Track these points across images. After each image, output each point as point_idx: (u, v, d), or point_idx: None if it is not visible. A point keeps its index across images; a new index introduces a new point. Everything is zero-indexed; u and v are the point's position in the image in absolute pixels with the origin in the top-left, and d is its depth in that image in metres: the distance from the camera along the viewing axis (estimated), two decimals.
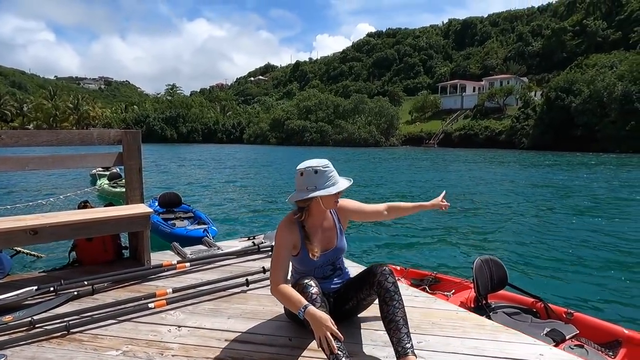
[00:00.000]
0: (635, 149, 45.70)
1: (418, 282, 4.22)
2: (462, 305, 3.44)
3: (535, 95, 65.39)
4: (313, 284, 2.20)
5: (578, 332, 3.06)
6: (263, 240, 4.28)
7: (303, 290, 2.17)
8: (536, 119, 58.25)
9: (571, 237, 8.20)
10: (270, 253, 4.00)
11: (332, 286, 2.47)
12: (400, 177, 20.40)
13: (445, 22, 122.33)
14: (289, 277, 2.33)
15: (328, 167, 2.28)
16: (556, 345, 2.85)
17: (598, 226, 9.21)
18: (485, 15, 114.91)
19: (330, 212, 2.48)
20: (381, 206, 2.61)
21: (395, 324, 2.16)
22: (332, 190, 2.24)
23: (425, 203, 2.60)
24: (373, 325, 2.52)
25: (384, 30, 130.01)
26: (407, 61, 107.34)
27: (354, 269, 2.66)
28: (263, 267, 3.40)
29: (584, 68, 61.89)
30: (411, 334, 2.16)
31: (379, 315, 2.23)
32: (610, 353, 2.90)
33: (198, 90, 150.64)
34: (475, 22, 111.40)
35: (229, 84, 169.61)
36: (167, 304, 2.77)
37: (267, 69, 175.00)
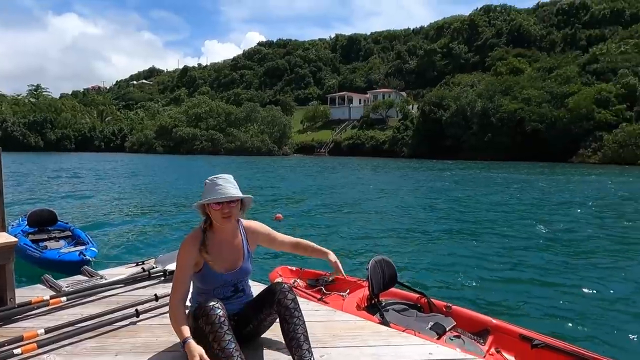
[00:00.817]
0: (492, 156, 53.02)
1: (314, 283, 4.28)
2: (357, 306, 3.62)
3: (412, 109, 72.07)
4: (219, 307, 2.13)
5: (455, 323, 3.43)
6: (154, 265, 3.96)
7: (209, 313, 2.09)
8: (414, 130, 64.26)
9: (447, 235, 9.19)
10: (163, 278, 3.74)
11: (233, 308, 2.41)
12: (294, 184, 20.78)
13: (332, 36, 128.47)
14: (190, 297, 2.27)
15: (220, 179, 2.28)
16: (439, 337, 3.17)
17: (468, 224, 10.47)
18: (369, 33, 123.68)
19: (240, 233, 2.46)
20: (292, 240, 2.66)
21: (296, 341, 2.18)
22: (207, 201, 2.23)
23: (330, 258, 2.65)
24: (277, 345, 2.51)
25: (274, 40, 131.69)
26: (298, 72, 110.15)
27: (254, 288, 2.62)
28: (155, 295, 3.15)
29: (451, 86, 70.26)
30: (313, 349, 2.20)
31: (280, 334, 2.24)
32: (482, 341, 3.30)
33: (69, 93, 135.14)
34: (359, 39, 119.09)
35: (107, 87, 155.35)
36: (39, 347, 2.40)
37: (152, 72, 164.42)
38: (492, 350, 3.20)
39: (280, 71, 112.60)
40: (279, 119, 75.50)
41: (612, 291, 5.55)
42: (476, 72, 79.46)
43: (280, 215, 10.58)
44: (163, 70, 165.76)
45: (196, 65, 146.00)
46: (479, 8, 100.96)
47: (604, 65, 58.79)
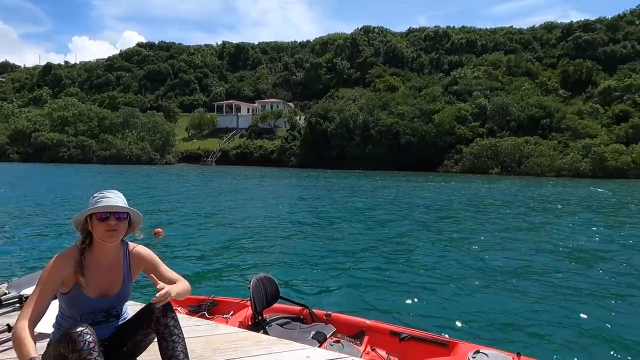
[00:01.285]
0: (373, 166, 57.07)
1: (196, 309, 4.17)
2: (242, 324, 3.64)
3: (300, 119, 74.12)
4: (89, 332, 1.94)
5: (335, 329, 3.67)
6: (7, 291, 3.45)
7: (76, 339, 1.90)
8: (301, 140, 66.09)
9: (327, 244, 9.63)
10: (18, 305, 3.29)
11: (103, 332, 2.24)
12: (177, 196, 19.77)
13: (219, 43, 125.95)
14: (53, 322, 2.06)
15: (109, 192, 2.18)
16: (320, 345, 3.35)
17: (348, 232, 11.13)
18: (257, 43, 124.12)
19: (124, 256, 2.28)
20: (172, 277, 2.36)
21: (175, 359, 2.14)
22: (92, 210, 2.09)
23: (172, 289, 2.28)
24: None
25: (156, 43, 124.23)
26: (183, 77, 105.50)
27: (130, 307, 2.49)
28: (8, 325, 2.77)
29: (336, 99, 74.14)
30: None
31: (158, 353, 2.16)
32: (358, 342, 3.57)
33: None
34: (247, 48, 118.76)
35: None
36: None
37: (5, 68, 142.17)
38: (368, 349, 3.48)
39: (162, 75, 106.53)
40: (161, 126, 71.20)
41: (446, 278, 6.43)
42: (358, 87, 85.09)
43: (160, 230, 9.94)
44: (20, 66, 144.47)
45: (62, 63, 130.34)
46: (359, 28, 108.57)
47: (462, 87, 67.72)
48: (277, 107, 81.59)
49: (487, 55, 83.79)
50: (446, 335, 3.56)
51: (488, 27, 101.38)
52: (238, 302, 4.16)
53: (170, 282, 2.31)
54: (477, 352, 3.02)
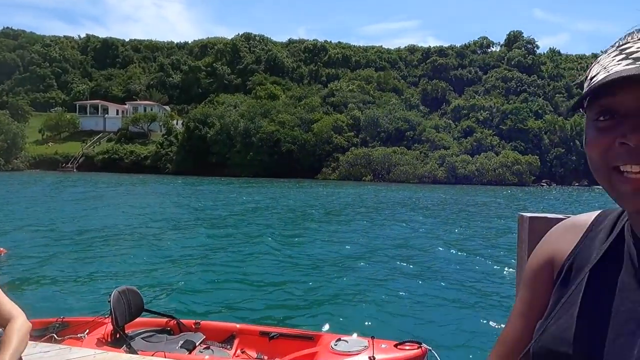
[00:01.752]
0: (254, 173, 56.99)
1: (42, 333, 3.73)
2: (100, 342, 3.39)
3: (177, 124, 70.47)
4: None
5: (205, 337, 3.65)
6: None
7: None
8: (178, 146, 62.88)
9: (203, 250, 9.34)
10: None
11: None
12: (24, 209, 17.16)
13: (82, 36, 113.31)
14: None
15: None
16: (189, 353, 3.32)
17: (212, 238, 10.95)
18: (127, 39, 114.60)
19: None
20: (14, 317, 1.86)
21: None
22: None
23: None
24: None
25: (0, 29, 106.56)
26: (35, 71, 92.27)
27: None
28: None
29: (216, 104, 72.34)
30: None
31: None
32: (228, 346, 3.62)
33: None
34: (116, 44, 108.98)
35: None
36: None
37: None
38: (239, 352, 3.55)
39: (9, 67, 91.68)
40: (6, 126, 61.14)
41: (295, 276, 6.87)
42: (239, 93, 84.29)
43: (2, 249, 8.59)
44: None
45: None
46: (240, 34, 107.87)
47: (338, 99, 71.89)
48: (152, 109, 76.40)
49: (361, 70, 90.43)
50: (312, 330, 3.82)
51: (361, 45, 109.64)
52: (94, 320, 3.83)
53: (6, 316, 1.88)
54: (339, 340, 3.32)
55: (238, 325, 3.84)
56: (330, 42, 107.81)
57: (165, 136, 65.50)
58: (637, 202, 0.53)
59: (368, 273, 7.34)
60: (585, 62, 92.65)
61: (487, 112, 66.84)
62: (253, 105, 67.27)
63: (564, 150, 61.19)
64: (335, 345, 3.24)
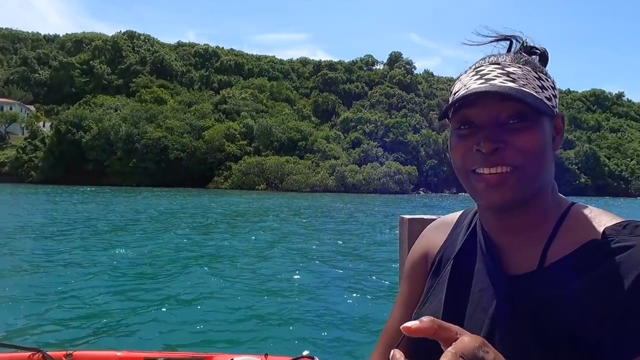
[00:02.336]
0: (137, 182, 52.83)
1: None
2: None
3: (44, 126, 62.29)
4: None
5: None
6: None
7: None
8: (46, 152, 55.54)
9: (58, 272, 8.20)
10: None
11: None
12: None
13: None
14: None
15: None
16: None
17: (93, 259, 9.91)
18: None
19: None
20: None
21: None
22: None
23: None
24: None
25: None
26: None
27: None
28: None
29: (93, 106, 65.57)
30: None
31: None
32: None
33: None
34: None
35: None
36: None
37: None
38: None
39: None
40: None
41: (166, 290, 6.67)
42: (120, 95, 77.72)
43: None
44: None
45: None
46: (122, 31, 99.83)
47: (231, 106, 70.63)
48: (11, 109, 66.36)
49: (254, 79, 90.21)
50: (203, 352, 3.60)
51: (254, 53, 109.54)
52: None
53: None
54: None
55: (119, 353, 3.48)
56: (223, 48, 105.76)
57: (29, 140, 57.42)
58: (488, 196, 0.61)
59: (257, 284, 7.26)
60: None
61: (372, 125, 71.71)
62: (137, 109, 62.57)
63: (437, 161, 68.39)
64: None
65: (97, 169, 54.71)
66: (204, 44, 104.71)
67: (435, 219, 0.85)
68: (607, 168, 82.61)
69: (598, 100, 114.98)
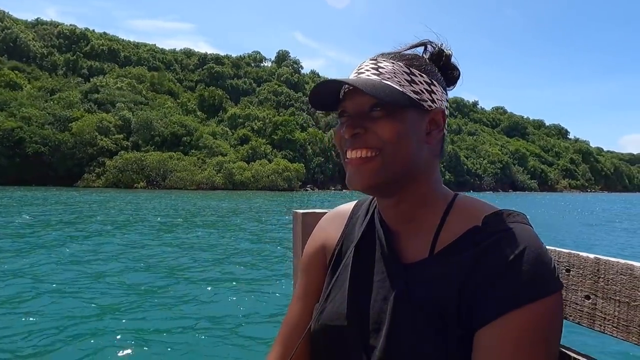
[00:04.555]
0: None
1: None
2: None
3: None
4: None
5: None
6: None
7: None
8: None
9: None
10: None
11: None
12: None
13: None
14: None
15: None
16: None
17: None
18: None
19: None
20: None
21: None
22: None
23: None
24: None
25: None
26: None
27: None
28: None
29: None
30: None
31: None
32: None
33: None
34: None
35: None
36: None
37: None
38: None
39: None
40: None
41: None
42: None
43: None
44: None
45: None
46: None
47: (104, 96, 63.85)
48: None
49: (131, 67, 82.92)
50: None
51: (132, 40, 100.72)
52: None
53: None
54: None
55: None
56: (93, 30, 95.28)
57: None
58: (353, 179, 0.65)
59: (126, 290, 6.63)
60: None
61: (260, 122, 71.41)
62: None
63: (323, 159, 70.93)
64: None
65: None
66: (70, 24, 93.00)
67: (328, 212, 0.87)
68: (465, 166, 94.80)
69: (459, 107, 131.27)
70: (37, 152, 49.19)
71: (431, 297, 0.60)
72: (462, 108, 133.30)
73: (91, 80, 71.05)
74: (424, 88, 0.64)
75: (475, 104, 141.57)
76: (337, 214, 0.82)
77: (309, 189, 63.79)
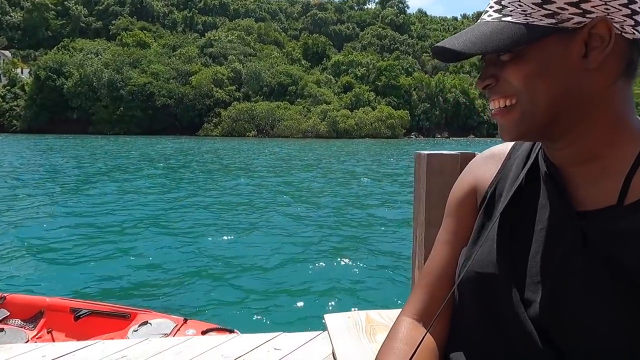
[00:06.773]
0: (125, 130, 51.76)
1: None
2: None
3: (22, 73, 59.66)
4: None
5: (9, 313, 3.12)
6: None
7: None
8: (27, 100, 53.62)
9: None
10: None
11: None
12: None
13: None
14: None
15: None
16: None
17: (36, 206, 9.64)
18: None
19: None
20: None
21: None
22: None
23: None
24: None
25: None
26: None
27: None
28: None
29: (72, 51, 62.45)
30: None
31: None
32: (32, 325, 3.09)
33: None
34: None
35: None
36: None
37: None
38: (44, 332, 3.03)
39: None
40: None
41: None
42: (100, 39, 74.01)
43: None
44: None
45: None
46: None
47: (217, 50, 67.80)
48: None
49: (240, 20, 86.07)
50: (130, 306, 3.37)
51: None
52: None
53: None
54: (145, 322, 2.98)
55: (48, 300, 3.30)
56: None
57: (9, 88, 55.21)
58: (500, 133, 0.59)
59: (243, 239, 6.90)
60: (447, 24, 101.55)
61: (364, 68, 69.80)
62: (119, 53, 59.83)
63: (429, 105, 67.57)
64: (135, 331, 2.86)
65: (82, 118, 53.23)
66: None
67: (457, 155, 0.79)
68: None
69: None
70: (164, 105, 54.93)
71: (618, 256, 0.51)
72: None
73: (206, 35, 75.56)
74: (564, 3, 0.51)
75: None
76: (491, 154, 0.73)
77: (413, 136, 61.86)
